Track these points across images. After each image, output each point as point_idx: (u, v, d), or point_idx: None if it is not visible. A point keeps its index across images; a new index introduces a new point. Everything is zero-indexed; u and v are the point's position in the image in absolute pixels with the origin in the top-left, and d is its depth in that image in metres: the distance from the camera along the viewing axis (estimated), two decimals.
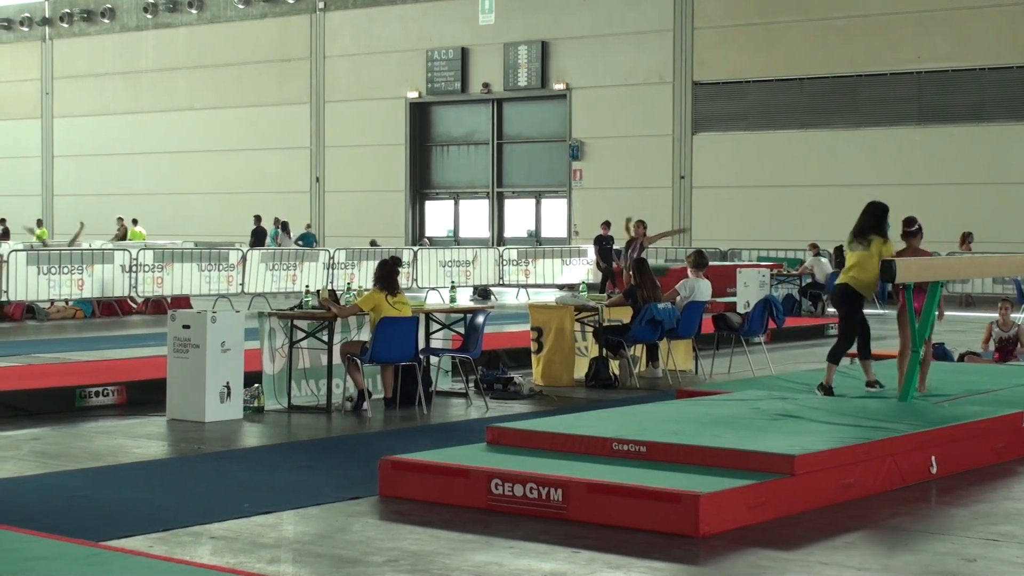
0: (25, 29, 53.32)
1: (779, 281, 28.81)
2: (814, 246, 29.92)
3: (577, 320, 16.34)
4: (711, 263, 19.49)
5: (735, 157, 38.08)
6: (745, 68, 37.95)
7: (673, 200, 38.99)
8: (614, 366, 16.14)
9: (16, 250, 26.36)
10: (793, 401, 11.71)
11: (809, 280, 29.19)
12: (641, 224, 27.19)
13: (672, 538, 8.03)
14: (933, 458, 10.09)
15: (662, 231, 27.85)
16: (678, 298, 16.64)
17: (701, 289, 16.85)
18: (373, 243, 34.57)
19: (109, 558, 6.96)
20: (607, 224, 31.88)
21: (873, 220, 12.78)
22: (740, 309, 19.59)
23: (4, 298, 24.47)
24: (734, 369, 17.42)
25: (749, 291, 22.34)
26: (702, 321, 17.03)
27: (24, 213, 48.99)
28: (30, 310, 25.30)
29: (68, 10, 52.02)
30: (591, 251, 33.26)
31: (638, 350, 16.69)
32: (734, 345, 17.86)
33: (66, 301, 25.71)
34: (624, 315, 16.42)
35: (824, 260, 29.37)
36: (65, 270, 25.15)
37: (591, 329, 16.35)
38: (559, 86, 41.19)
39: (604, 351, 16.05)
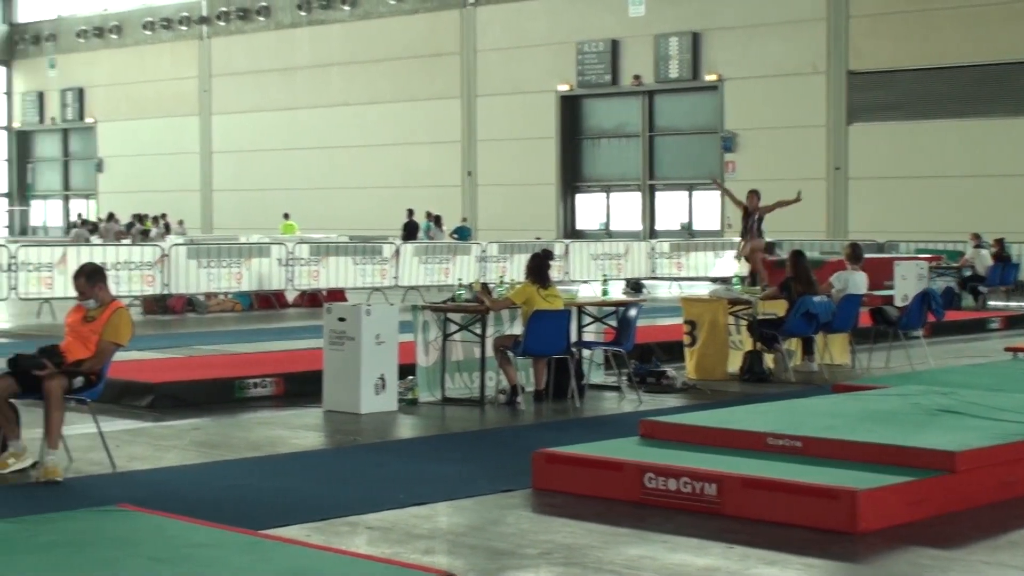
0: (184, 28, 54.39)
1: (938, 274, 28.28)
2: (975, 236, 29.35)
3: (731, 313, 16.20)
4: (867, 255, 19.21)
5: (891, 147, 37.48)
6: (901, 56, 37.33)
7: (828, 191, 38.52)
8: (769, 360, 15.99)
9: (177, 244, 26.89)
10: (953, 396, 11.48)
11: (969, 272, 28.65)
12: (754, 195, 25.28)
13: (829, 535, 7.93)
14: None
15: (779, 200, 26.05)
16: (832, 291, 16.43)
17: (856, 282, 16.62)
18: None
19: (269, 546, 7.07)
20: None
21: None
22: (898, 302, 19.33)
23: (166, 291, 24.99)
24: (892, 363, 17.13)
25: (907, 284, 22.00)
26: (859, 314, 16.79)
27: (184, 208, 50.04)
28: (190, 303, 25.80)
29: (225, 9, 52.94)
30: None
31: (793, 344, 16.52)
32: (892, 339, 17.56)
33: (225, 294, 26.18)
34: (779, 308, 16.26)
35: (985, 252, 28.79)
36: (224, 264, 25.58)
37: (745, 322, 16.21)
38: (711, 77, 40.91)
39: (758, 344, 15.90)
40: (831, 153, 38.49)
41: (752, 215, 24.96)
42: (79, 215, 48.87)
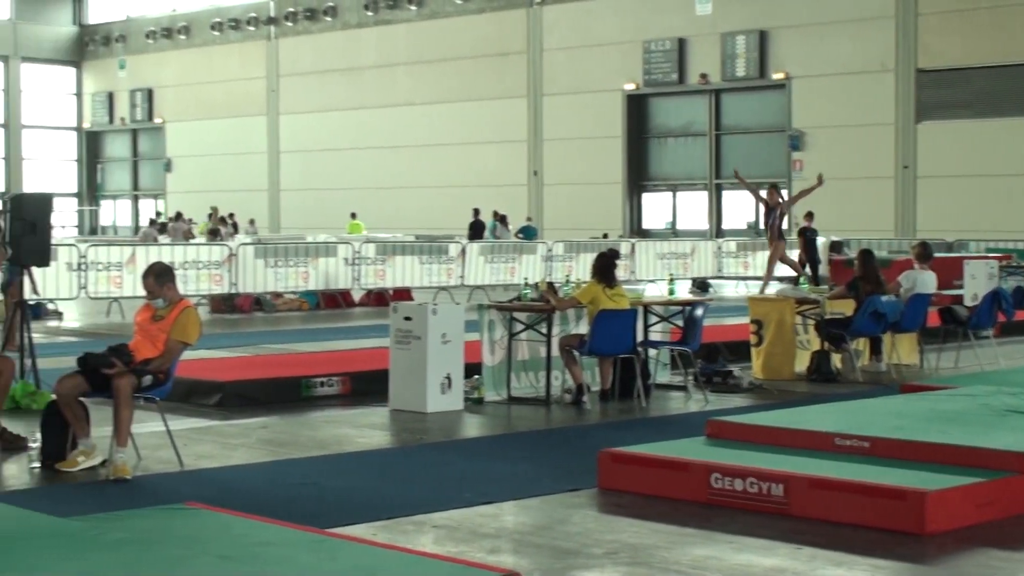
0: (252, 29, 54.76)
1: (1008, 273, 27.98)
2: None
3: (798, 313, 16.12)
4: (936, 254, 19.05)
5: (961, 145, 37.14)
6: (970, 54, 36.99)
7: (896, 190, 38.24)
8: (836, 360, 15.89)
9: (245, 244, 27.06)
10: (1023, 396, 11.36)
11: None
12: (775, 190, 24.29)
13: (897, 536, 7.88)
14: None
15: (800, 190, 24.51)
16: (901, 290, 16.31)
17: (924, 281, 16.48)
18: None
19: (335, 545, 7.10)
20: (811, 215, 31.55)
21: None
22: (967, 302, 19.14)
23: (234, 291, 25.15)
24: (961, 363, 16.95)
25: (977, 283, 21.78)
26: (927, 314, 16.65)
27: (252, 208, 50.35)
28: (258, 302, 25.96)
29: (292, 9, 53.23)
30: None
31: (861, 343, 16.40)
32: (961, 339, 17.40)
33: (292, 293, 26.31)
34: (846, 308, 16.16)
35: None
36: (291, 263, 25.73)
37: (812, 322, 16.12)
38: (778, 76, 40.70)
39: (826, 344, 15.80)
40: (899, 152, 38.21)
41: (774, 211, 23.85)
42: (159, 213, 49.34)
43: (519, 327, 13.88)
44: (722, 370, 15.13)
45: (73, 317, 24.07)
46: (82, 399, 9.83)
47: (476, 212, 39.52)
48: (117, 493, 9.05)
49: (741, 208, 43.24)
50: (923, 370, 16.68)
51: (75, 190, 63.05)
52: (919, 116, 37.93)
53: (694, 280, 32.44)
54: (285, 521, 7.68)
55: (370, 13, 50.71)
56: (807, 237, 31.37)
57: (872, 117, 38.60)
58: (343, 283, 26.70)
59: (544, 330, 13.72)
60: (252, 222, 47.04)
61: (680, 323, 14.73)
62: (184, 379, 12.49)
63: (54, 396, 10.09)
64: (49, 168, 62.03)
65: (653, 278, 30.94)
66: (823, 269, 32.92)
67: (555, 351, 13.63)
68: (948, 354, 17.26)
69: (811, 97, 40.02)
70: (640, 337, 14.26)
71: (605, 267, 13.65)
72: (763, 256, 33.90)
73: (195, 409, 12.90)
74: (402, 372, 12.98)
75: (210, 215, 43.75)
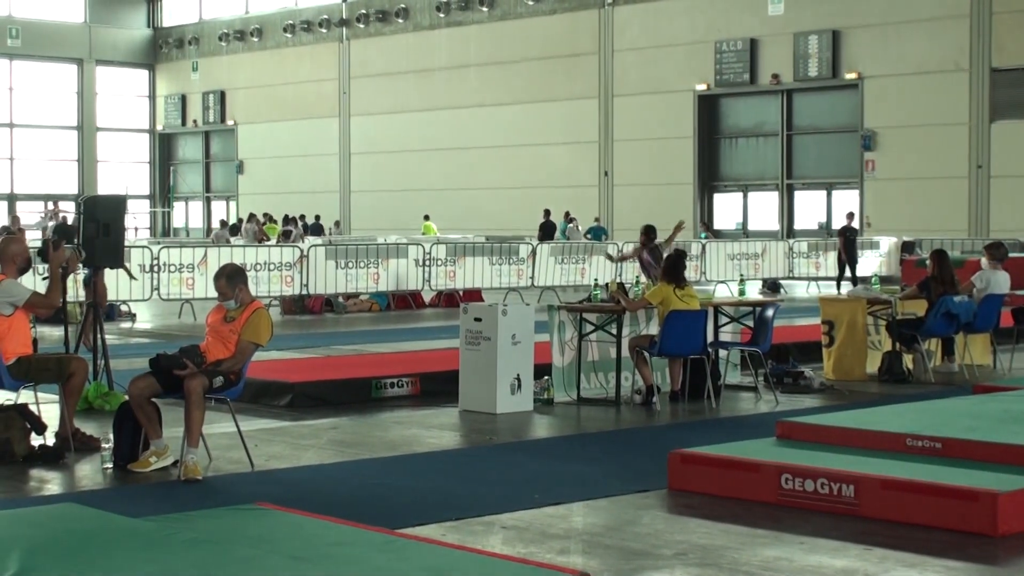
0: (324, 31, 55.00)
1: None
2: None
3: (870, 313, 16.02)
4: (1011, 255, 18.88)
5: None
6: None
7: (969, 190, 37.86)
8: (908, 360, 15.78)
9: (316, 245, 27.20)
10: None
11: None
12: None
13: (968, 537, 7.82)
14: None
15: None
16: (974, 290, 16.18)
17: (998, 281, 16.33)
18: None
19: (404, 545, 7.13)
20: (851, 215, 31.53)
21: None
22: None
23: (305, 292, 25.30)
24: None
25: None
26: (1000, 314, 16.49)
27: (323, 209, 50.61)
28: (329, 303, 26.09)
29: (364, 11, 53.45)
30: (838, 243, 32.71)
31: (933, 344, 16.27)
32: None
33: (364, 294, 26.41)
34: (919, 308, 16.04)
35: None
36: (362, 264, 25.84)
37: (884, 322, 16.01)
38: (850, 75, 40.40)
39: (897, 345, 15.70)
40: (973, 151, 37.81)
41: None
42: (251, 214, 49.66)
43: (589, 328, 13.88)
44: (793, 371, 15.07)
45: (145, 318, 24.28)
46: (154, 400, 9.93)
47: (547, 213, 39.56)
48: (188, 493, 9.14)
49: (812, 208, 42.98)
50: (996, 371, 16.53)
51: (148, 192, 63.63)
52: (993, 115, 37.51)
53: (765, 281, 32.27)
54: (355, 521, 7.72)
55: (441, 15, 50.82)
56: (847, 237, 31.26)
57: (946, 117, 38.23)
58: (413, 284, 26.78)
59: (614, 331, 13.72)
60: (337, 224, 47.41)
61: (750, 324, 14.69)
62: (255, 380, 12.60)
63: (126, 397, 10.19)
64: (122, 170, 62.62)
65: (724, 279, 30.82)
66: (895, 270, 32.75)
67: (625, 352, 13.62)
68: (1021, 355, 17.09)
69: (884, 97, 39.68)
70: (710, 338, 14.23)
71: (675, 267, 13.63)
72: (833, 257, 33.76)
73: (266, 410, 12.99)
74: (472, 373, 13.01)
75: (263, 221, 43.99)
